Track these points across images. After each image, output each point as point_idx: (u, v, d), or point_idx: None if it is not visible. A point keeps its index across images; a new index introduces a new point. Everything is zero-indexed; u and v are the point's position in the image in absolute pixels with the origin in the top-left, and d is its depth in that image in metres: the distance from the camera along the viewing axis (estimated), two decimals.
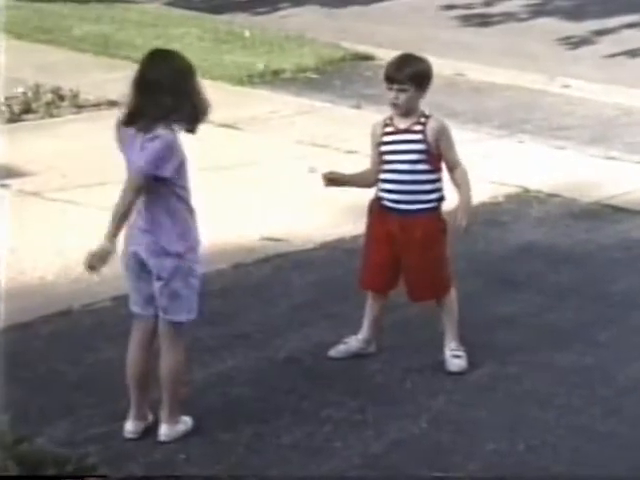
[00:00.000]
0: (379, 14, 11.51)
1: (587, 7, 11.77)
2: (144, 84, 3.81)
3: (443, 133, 4.51)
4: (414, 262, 4.52)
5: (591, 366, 4.69)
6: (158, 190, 3.85)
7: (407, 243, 4.51)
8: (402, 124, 4.50)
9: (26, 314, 4.80)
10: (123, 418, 4.01)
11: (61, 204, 6.09)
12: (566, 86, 9.14)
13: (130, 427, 3.98)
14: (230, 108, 7.64)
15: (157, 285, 3.91)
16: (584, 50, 10.30)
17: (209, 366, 4.58)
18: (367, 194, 6.63)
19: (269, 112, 7.85)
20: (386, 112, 8.41)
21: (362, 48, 9.93)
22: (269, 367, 4.51)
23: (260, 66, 9.17)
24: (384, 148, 4.53)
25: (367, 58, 9.81)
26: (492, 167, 7.15)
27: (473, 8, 11.80)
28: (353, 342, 4.65)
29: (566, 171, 7.16)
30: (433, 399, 4.39)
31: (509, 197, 6.67)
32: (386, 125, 4.55)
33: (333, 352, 4.63)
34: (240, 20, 11.09)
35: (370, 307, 4.68)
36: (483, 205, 6.51)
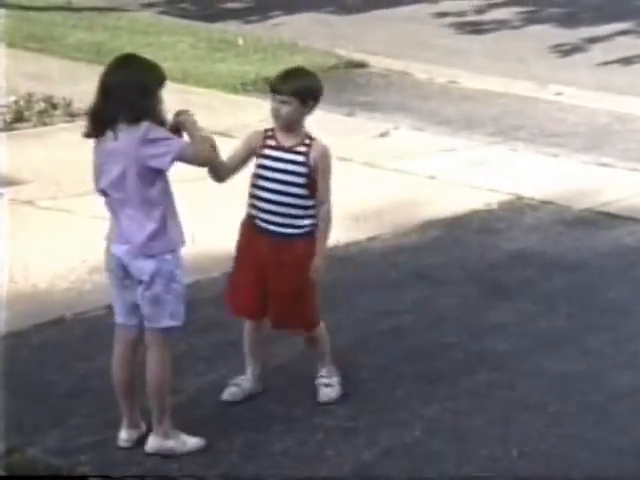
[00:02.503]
0: (372, 22, 11.51)
1: (580, 14, 11.79)
2: (111, 88, 3.80)
3: (326, 159, 4.26)
4: (282, 289, 4.26)
5: (583, 373, 4.68)
6: (142, 185, 3.82)
7: (276, 267, 4.25)
8: (286, 142, 4.24)
9: (18, 323, 4.79)
10: (115, 427, 4.00)
11: (54, 213, 6.08)
12: (559, 93, 9.16)
13: (124, 435, 3.98)
14: (223, 116, 7.65)
15: (139, 291, 3.89)
16: (577, 57, 10.31)
17: (202, 374, 4.57)
18: (362, 201, 6.68)
19: (262, 120, 7.83)
20: (379, 119, 8.31)
21: (355, 56, 9.93)
22: (262, 374, 4.49)
23: (252, 75, 9.17)
24: (262, 162, 4.25)
25: (360, 66, 9.80)
26: (485, 174, 7.16)
27: (466, 16, 11.82)
28: (244, 383, 4.41)
29: (559, 178, 7.16)
30: (426, 407, 4.38)
31: (502, 204, 6.67)
32: (267, 137, 4.28)
33: (227, 396, 4.36)
34: (233, 28, 11.08)
35: (249, 339, 4.41)
36: (476, 212, 6.53)
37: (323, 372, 4.45)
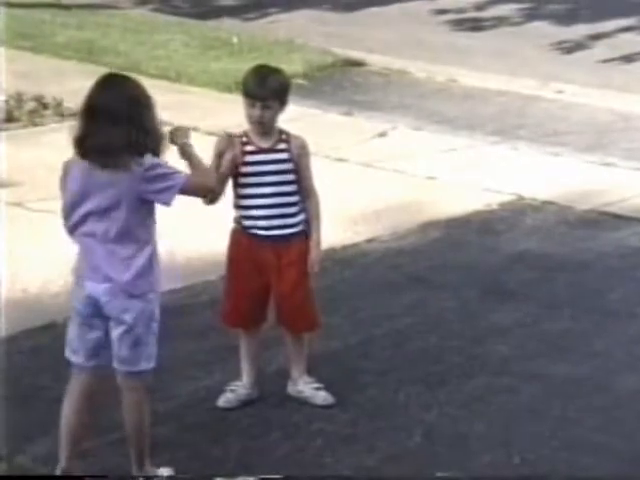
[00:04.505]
0: (370, 19, 11.44)
1: (581, 11, 11.72)
2: (104, 114, 3.54)
3: (305, 151, 4.23)
4: (290, 290, 4.23)
5: (587, 377, 4.63)
6: (134, 220, 3.62)
7: (280, 270, 4.22)
8: (264, 143, 4.18)
9: (8, 328, 4.71)
10: (106, 434, 3.91)
11: (44, 214, 5.99)
12: (560, 91, 9.09)
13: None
14: (218, 115, 7.57)
15: (117, 332, 3.63)
16: (578, 55, 10.25)
17: (198, 380, 4.51)
18: (359, 203, 6.61)
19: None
20: (377, 118, 8.24)
21: (353, 54, 9.87)
22: (259, 380, 4.42)
23: None
24: (247, 169, 4.17)
25: (358, 64, 9.74)
26: (485, 174, 7.09)
27: (465, 12, 11.74)
28: (240, 389, 4.34)
29: (561, 178, 7.09)
30: (426, 412, 4.32)
31: (503, 205, 6.61)
32: (245, 144, 4.19)
33: (223, 402, 4.30)
34: (228, 26, 11.00)
35: (246, 346, 4.35)
36: (477, 213, 6.48)
37: (306, 378, 4.38)
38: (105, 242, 3.61)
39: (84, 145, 3.57)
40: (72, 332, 3.71)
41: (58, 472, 3.68)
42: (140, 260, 3.63)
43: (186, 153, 3.74)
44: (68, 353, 3.73)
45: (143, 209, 3.64)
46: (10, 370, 4.19)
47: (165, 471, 3.85)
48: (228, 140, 4.21)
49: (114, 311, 3.63)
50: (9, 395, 4.23)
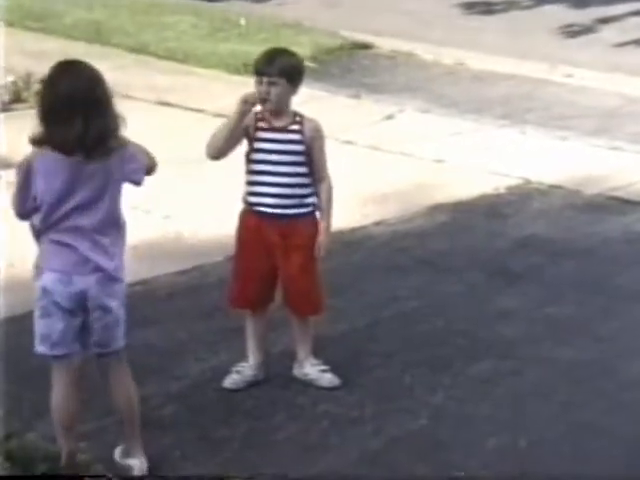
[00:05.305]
0: (378, 2, 11.39)
1: None
2: (86, 103, 3.42)
3: (319, 134, 4.22)
4: (296, 272, 4.23)
5: (593, 360, 4.62)
6: (114, 206, 3.59)
7: (287, 251, 4.22)
8: (277, 122, 4.17)
9: (16, 308, 4.71)
10: (113, 413, 3.92)
11: None
12: (569, 75, 9.05)
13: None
14: (225, 98, 7.51)
15: (103, 319, 3.60)
16: (588, 38, 10.20)
17: (205, 360, 4.52)
18: (367, 186, 6.60)
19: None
20: (385, 101, 8.22)
21: (360, 36, 9.83)
22: (265, 361, 4.43)
23: (254, 55, 9.10)
24: (258, 145, 4.18)
25: (366, 47, 9.70)
26: (493, 158, 7.08)
27: None
28: (246, 370, 4.35)
29: (569, 162, 7.07)
30: (432, 394, 4.32)
31: (510, 189, 6.59)
32: (259, 119, 4.18)
33: (229, 383, 4.31)
34: (236, 8, 10.96)
35: (252, 327, 4.36)
36: (484, 197, 6.47)
37: (312, 360, 4.39)
38: (91, 233, 3.56)
39: (80, 139, 3.44)
40: (49, 327, 3.62)
41: (64, 457, 3.69)
42: (120, 244, 3.64)
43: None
44: (45, 348, 3.65)
45: (120, 193, 3.63)
46: (20, 349, 4.20)
47: (133, 462, 3.78)
48: (251, 115, 4.17)
49: (101, 299, 3.60)
50: (19, 374, 4.24)
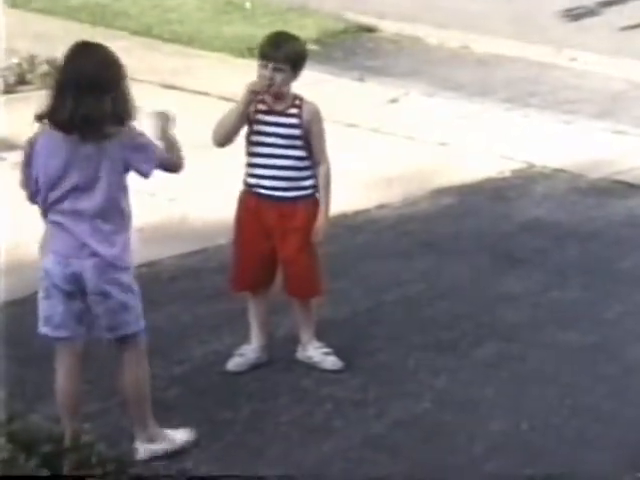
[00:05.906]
0: None
1: None
2: (86, 83, 3.47)
3: (317, 118, 4.21)
4: (293, 254, 4.23)
5: (596, 345, 4.62)
6: (117, 193, 3.59)
7: (285, 234, 4.22)
8: (277, 105, 4.19)
9: (20, 290, 4.72)
10: (118, 394, 3.93)
11: None
12: (573, 59, 9.02)
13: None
14: (230, 81, 7.51)
15: (104, 305, 3.60)
16: (592, 22, 10.15)
17: (208, 343, 4.53)
18: (371, 169, 6.59)
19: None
20: (389, 84, 8.17)
21: (365, 19, 9.81)
22: (268, 344, 4.43)
23: (259, 39, 9.07)
24: (257, 127, 4.20)
25: (370, 30, 9.68)
26: (497, 141, 7.07)
27: None
28: (250, 353, 4.35)
29: (573, 146, 7.06)
30: (436, 378, 4.32)
31: (515, 172, 6.58)
32: (260, 102, 4.19)
33: (232, 366, 4.31)
34: None
35: (255, 310, 4.36)
36: (489, 180, 6.46)
37: (316, 342, 4.38)
38: (90, 218, 3.56)
39: (71, 118, 3.48)
40: (51, 308, 3.64)
41: (67, 437, 3.70)
42: (125, 234, 3.63)
43: (166, 134, 3.70)
44: (48, 330, 3.67)
45: (124, 181, 3.62)
46: (23, 331, 4.20)
47: (183, 435, 3.84)
48: (260, 89, 4.16)
49: (99, 285, 3.59)
50: (23, 356, 4.25)
